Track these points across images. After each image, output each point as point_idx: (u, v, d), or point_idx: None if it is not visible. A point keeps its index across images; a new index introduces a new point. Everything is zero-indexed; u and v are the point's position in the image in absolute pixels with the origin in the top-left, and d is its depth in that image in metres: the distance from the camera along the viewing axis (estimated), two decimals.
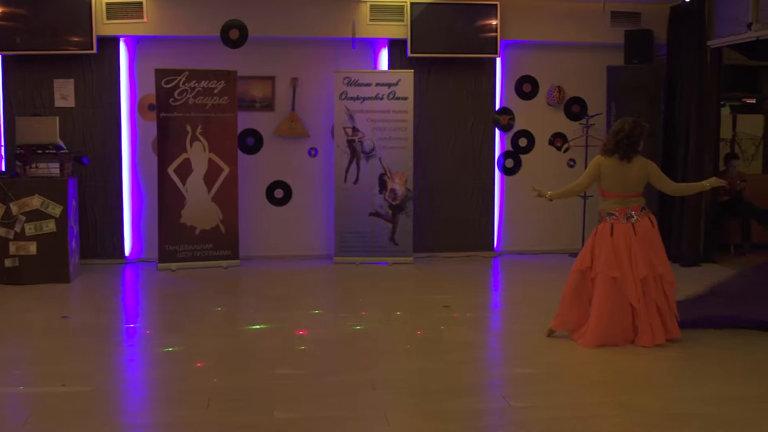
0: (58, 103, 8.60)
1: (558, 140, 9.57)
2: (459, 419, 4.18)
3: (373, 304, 6.95)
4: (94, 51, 8.40)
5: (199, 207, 8.49)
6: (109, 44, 8.60)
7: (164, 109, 8.34)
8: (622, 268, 5.50)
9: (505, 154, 9.53)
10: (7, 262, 7.49)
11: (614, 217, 5.63)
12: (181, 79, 8.36)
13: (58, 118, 8.01)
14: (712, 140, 9.10)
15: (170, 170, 8.39)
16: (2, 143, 8.43)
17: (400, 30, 8.90)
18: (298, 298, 7.24)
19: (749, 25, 8.09)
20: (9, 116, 8.44)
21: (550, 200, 5.87)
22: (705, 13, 8.71)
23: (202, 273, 8.28)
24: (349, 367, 5.11)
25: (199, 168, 8.48)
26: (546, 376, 4.92)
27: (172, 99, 8.34)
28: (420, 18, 8.84)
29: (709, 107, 8.94)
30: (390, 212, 8.86)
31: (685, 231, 8.89)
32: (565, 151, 9.55)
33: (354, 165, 8.82)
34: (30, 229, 7.53)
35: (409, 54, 8.92)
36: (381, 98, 8.77)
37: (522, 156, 9.55)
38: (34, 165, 7.67)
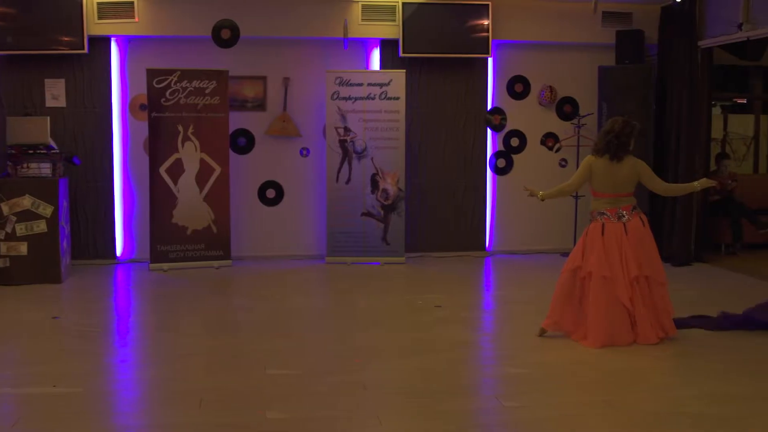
0: (49, 102, 8.57)
1: (550, 140, 9.58)
2: (451, 419, 4.18)
3: (365, 304, 6.96)
4: (86, 51, 8.36)
5: (190, 207, 8.47)
6: (101, 44, 8.57)
7: (156, 109, 8.32)
8: (613, 268, 5.52)
9: (496, 154, 9.54)
10: None
11: (605, 216, 5.64)
12: (172, 79, 8.34)
13: (49, 117, 7.98)
14: (703, 140, 9.14)
15: (162, 170, 8.37)
16: None
17: (392, 30, 8.90)
18: (290, 298, 7.24)
19: (740, 26, 8.13)
20: (0, 116, 8.40)
21: (542, 200, 5.88)
22: (696, 14, 8.74)
23: (193, 273, 8.27)
24: (341, 367, 5.11)
25: (191, 168, 8.45)
26: (539, 376, 4.93)
27: (163, 99, 8.32)
28: (412, 18, 8.85)
29: (700, 107, 8.97)
30: (382, 212, 8.85)
31: (677, 230, 8.92)
32: (556, 151, 9.56)
33: (346, 165, 8.82)
34: (21, 229, 7.50)
35: (401, 54, 8.91)
36: (373, 98, 8.77)
37: (514, 156, 9.56)
38: (25, 165, 7.65)
